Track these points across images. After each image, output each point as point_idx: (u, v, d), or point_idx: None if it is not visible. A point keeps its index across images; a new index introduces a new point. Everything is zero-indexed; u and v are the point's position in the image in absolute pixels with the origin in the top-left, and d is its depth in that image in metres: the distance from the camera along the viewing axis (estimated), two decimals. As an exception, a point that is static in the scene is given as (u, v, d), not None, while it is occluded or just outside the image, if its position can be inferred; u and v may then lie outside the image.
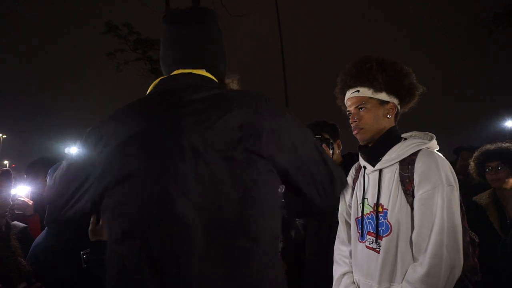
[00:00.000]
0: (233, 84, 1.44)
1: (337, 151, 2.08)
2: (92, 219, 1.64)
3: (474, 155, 2.52)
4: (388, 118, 1.41)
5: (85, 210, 1.01)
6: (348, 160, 1.91)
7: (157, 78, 1.13)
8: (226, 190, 0.89)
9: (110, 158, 0.96)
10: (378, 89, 1.39)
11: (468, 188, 2.70)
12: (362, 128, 1.41)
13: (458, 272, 1.18)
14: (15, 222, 1.97)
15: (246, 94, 1.00)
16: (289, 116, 1.02)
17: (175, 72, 1.09)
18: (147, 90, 1.11)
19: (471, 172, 2.54)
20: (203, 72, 1.09)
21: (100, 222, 1.64)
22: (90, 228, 1.64)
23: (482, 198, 2.45)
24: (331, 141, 1.95)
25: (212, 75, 1.10)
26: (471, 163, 2.53)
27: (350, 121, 1.45)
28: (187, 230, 0.86)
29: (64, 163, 1.06)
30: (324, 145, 1.88)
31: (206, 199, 0.88)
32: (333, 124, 2.12)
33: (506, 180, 2.29)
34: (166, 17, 1.14)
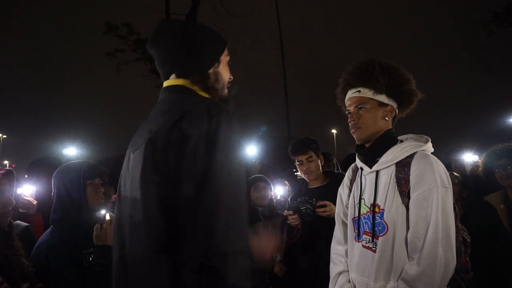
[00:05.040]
0: None
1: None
2: (96, 225, 1.69)
3: (483, 154, 2.55)
4: (386, 120, 1.44)
5: None
6: (351, 161, 1.95)
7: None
8: None
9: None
10: (379, 91, 1.41)
11: (466, 188, 2.74)
12: (360, 128, 1.44)
13: (451, 270, 1.21)
14: (17, 222, 1.95)
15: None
16: None
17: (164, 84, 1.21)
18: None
19: (480, 171, 2.57)
20: (173, 82, 1.16)
21: (104, 227, 1.69)
22: (94, 233, 1.68)
23: (493, 196, 2.48)
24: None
25: (185, 77, 1.14)
26: (480, 162, 2.58)
27: (348, 120, 1.48)
28: None
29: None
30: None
31: None
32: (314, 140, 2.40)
33: None
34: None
